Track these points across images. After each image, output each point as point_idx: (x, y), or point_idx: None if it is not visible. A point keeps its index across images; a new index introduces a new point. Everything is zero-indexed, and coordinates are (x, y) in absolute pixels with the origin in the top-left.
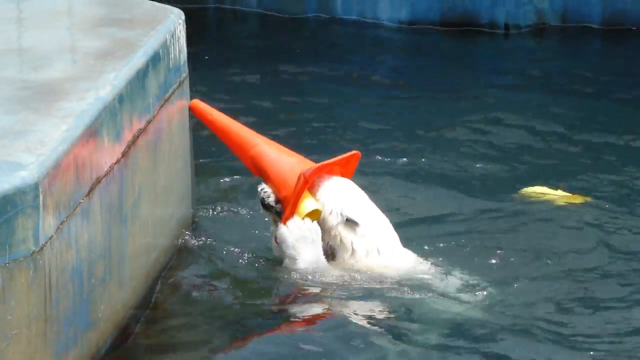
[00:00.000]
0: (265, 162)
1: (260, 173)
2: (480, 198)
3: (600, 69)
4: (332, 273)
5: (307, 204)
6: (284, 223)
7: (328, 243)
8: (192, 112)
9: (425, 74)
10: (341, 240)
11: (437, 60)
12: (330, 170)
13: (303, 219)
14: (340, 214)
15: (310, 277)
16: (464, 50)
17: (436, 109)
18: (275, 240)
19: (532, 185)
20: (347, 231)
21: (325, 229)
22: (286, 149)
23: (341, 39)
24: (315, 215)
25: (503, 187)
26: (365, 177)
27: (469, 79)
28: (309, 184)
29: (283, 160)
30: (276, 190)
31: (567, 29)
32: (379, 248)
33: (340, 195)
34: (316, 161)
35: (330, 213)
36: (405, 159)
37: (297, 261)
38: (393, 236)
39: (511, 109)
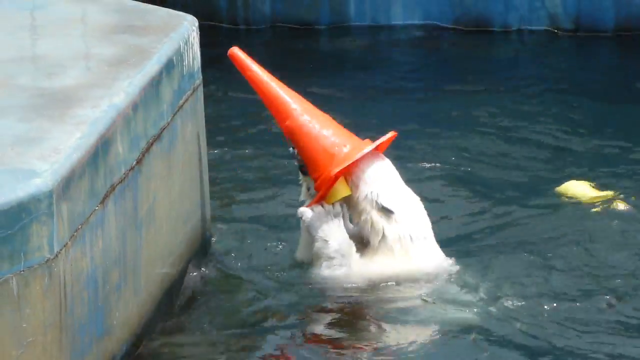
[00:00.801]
0: (299, 139)
1: (294, 146)
2: (508, 201)
3: (614, 72)
4: (360, 262)
5: (339, 190)
6: (310, 206)
7: (358, 224)
8: (231, 60)
9: (440, 76)
10: (372, 225)
11: (452, 62)
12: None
13: (332, 204)
14: (376, 201)
15: (340, 259)
16: (479, 53)
17: (455, 111)
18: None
19: (566, 181)
20: (379, 217)
21: (356, 211)
22: (327, 121)
23: (355, 45)
24: (345, 197)
25: (533, 188)
26: None
27: (485, 81)
28: (336, 180)
29: (319, 142)
30: (309, 170)
31: (580, 33)
32: (411, 235)
33: (376, 180)
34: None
35: (365, 198)
36: (427, 163)
37: (328, 243)
38: (426, 224)
39: (531, 112)
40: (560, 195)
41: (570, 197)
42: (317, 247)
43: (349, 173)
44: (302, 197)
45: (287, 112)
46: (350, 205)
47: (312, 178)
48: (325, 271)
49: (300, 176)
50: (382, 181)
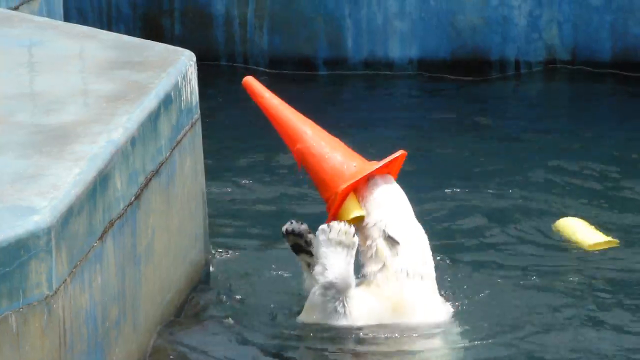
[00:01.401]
0: (310, 161)
1: (305, 169)
2: (506, 235)
3: (612, 104)
4: (359, 296)
5: (351, 209)
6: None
7: (360, 249)
8: (245, 88)
9: (438, 109)
10: (376, 253)
11: (450, 94)
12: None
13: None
14: (384, 230)
15: (334, 292)
16: (476, 89)
17: (454, 144)
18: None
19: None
20: (384, 246)
21: (362, 236)
22: (337, 144)
23: (352, 81)
24: (358, 219)
25: (528, 223)
26: None
27: (486, 116)
28: (345, 197)
29: (328, 162)
30: (321, 191)
31: (577, 65)
32: (408, 271)
33: (386, 207)
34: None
35: (374, 225)
36: (425, 195)
37: (326, 272)
38: (428, 261)
39: (530, 146)
40: (558, 232)
41: (568, 236)
42: (315, 271)
43: (362, 197)
44: (304, 276)
45: (298, 136)
46: (358, 228)
47: (324, 199)
48: (319, 299)
49: (296, 257)
50: (392, 209)
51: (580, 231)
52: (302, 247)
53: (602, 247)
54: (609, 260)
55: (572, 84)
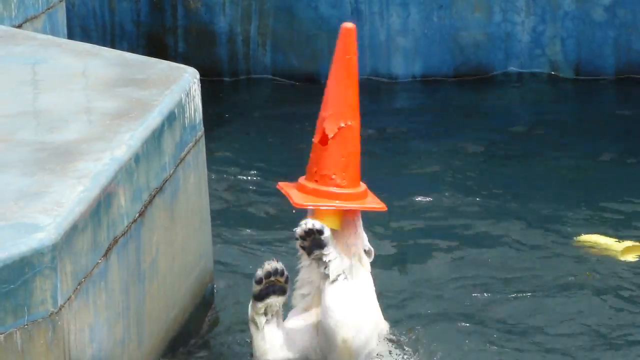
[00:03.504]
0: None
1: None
2: (522, 249)
3: (615, 119)
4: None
5: (327, 220)
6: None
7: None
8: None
9: (443, 124)
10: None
11: (453, 110)
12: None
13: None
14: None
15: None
16: (478, 102)
17: (458, 159)
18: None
19: (588, 234)
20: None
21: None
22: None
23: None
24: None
25: (543, 238)
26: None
27: (488, 129)
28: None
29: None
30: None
31: (580, 80)
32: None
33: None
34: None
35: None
36: (433, 214)
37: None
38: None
39: (536, 160)
40: (582, 244)
41: (593, 246)
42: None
43: (356, 215)
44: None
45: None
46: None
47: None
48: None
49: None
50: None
51: (606, 241)
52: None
53: (636, 253)
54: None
55: (575, 98)
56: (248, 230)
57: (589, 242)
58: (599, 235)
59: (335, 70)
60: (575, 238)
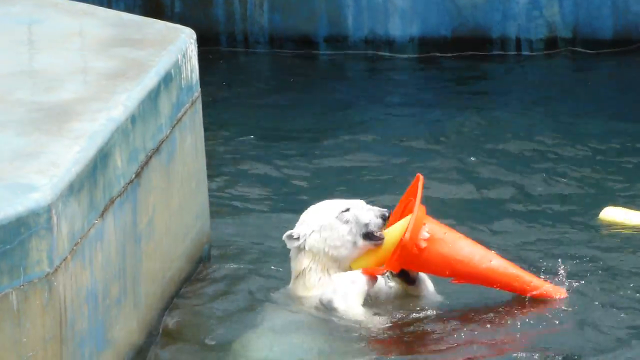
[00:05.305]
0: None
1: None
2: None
3: (613, 80)
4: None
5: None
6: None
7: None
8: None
9: (444, 92)
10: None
11: (452, 76)
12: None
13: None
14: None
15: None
16: (477, 70)
17: (458, 125)
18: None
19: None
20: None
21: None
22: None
23: (353, 62)
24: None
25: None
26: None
27: (486, 98)
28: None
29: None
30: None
31: (578, 42)
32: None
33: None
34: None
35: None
36: (442, 185)
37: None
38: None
39: (537, 127)
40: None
41: (617, 223)
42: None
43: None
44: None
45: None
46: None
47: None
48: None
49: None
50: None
51: (633, 216)
52: None
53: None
54: None
55: (573, 61)
56: (245, 196)
57: (613, 219)
58: (619, 209)
59: None
60: (599, 217)
